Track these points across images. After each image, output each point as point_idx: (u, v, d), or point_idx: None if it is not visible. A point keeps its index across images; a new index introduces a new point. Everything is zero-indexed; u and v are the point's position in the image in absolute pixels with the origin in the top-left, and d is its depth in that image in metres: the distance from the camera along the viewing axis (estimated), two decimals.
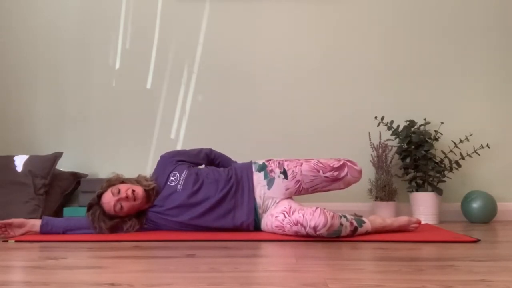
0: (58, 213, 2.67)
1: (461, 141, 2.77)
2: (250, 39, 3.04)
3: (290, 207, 1.94)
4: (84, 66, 3.07)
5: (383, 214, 2.50)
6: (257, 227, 2.10)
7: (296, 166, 2.11)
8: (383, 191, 2.72)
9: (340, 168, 2.07)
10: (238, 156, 2.45)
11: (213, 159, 2.38)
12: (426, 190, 2.71)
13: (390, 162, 2.80)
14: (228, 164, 2.32)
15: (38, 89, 3.07)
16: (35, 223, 2.04)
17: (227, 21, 3.05)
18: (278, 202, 2.08)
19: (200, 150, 2.37)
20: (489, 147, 2.80)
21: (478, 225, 2.55)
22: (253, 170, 2.18)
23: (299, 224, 1.85)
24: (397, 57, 2.99)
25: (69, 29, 3.09)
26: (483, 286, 1.04)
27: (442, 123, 2.85)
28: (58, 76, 3.07)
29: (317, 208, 1.83)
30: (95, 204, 2.09)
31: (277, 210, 2.00)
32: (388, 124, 2.79)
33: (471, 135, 2.82)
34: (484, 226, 2.52)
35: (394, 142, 2.84)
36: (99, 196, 2.08)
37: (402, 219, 2.06)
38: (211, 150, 2.39)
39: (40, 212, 2.55)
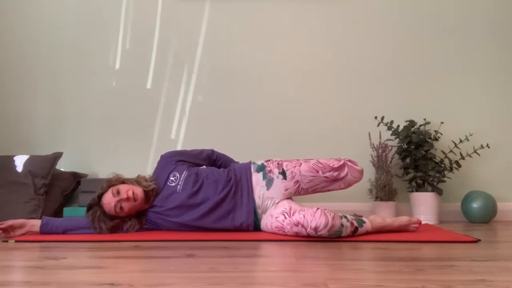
0: (58, 213, 2.67)
1: (461, 141, 2.77)
2: (250, 39, 3.04)
3: (290, 208, 1.94)
4: (84, 66, 3.07)
5: (383, 214, 2.51)
6: (256, 228, 2.10)
7: (295, 166, 2.11)
8: (383, 191, 2.72)
9: (340, 168, 2.07)
10: (238, 156, 2.45)
11: (215, 160, 2.38)
12: (426, 190, 2.71)
13: (390, 162, 2.80)
14: (230, 165, 2.32)
15: (38, 89, 3.07)
16: (35, 223, 2.04)
17: (227, 21, 3.05)
18: (278, 202, 2.08)
19: (202, 151, 2.36)
20: (489, 147, 2.80)
21: (478, 225, 2.55)
22: (252, 170, 2.17)
23: (299, 225, 1.85)
24: (397, 57, 2.99)
25: (69, 29, 3.09)
26: (483, 286, 1.04)
27: (442, 123, 2.85)
28: (58, 76, 3.07)
29: (318, 208, 1.83)
30: (95, 205, 2.08)
31: (277, 211, 2.00)
32: (388, 124, 2.79)
33: (471, 135, 2.82)
34: (484, 226, 2.52)
35: (394, 142, 2.84)
36: (99, 197, 2.08)
37: (402, 219, 2.06)
38: (213, 151, 2.38)
39: (40, 212, 2.55)
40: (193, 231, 2.07)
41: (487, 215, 2.66)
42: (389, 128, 2.79)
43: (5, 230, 1.97)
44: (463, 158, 2.75)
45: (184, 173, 2.16)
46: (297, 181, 2.09)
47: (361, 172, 2.12)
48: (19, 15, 3.11)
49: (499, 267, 1.28)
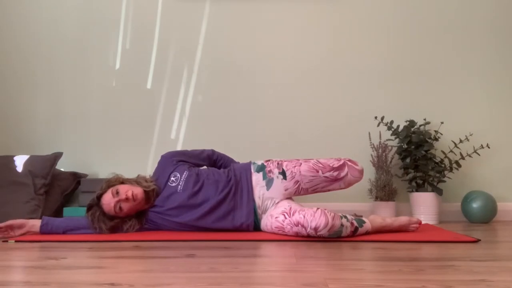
0: (58, 213, 2.67)
1: (461, 141, 2.77)
2: (250, 39, 3.04)
3: (290, 208, 1.94)
4: (84, 66, 3.07)
5: (383, 214, 2.51)
6: (256, 228, 2.10)
7: (295, 166, 2.11)
8: (383, 191, 2.72)
9: (340, 168, 2.07)
10: (238, 156, 2.45)
11: (215, 160, 2.38)
12: (426, 190, 2.71)
13: (390, 162, 2.80)
14: (230, 165, 2.31)
15: (38, 89, 3.07)
16: (35, 223, 2.04)
17: (227, 21, 3.06)
18: (278, 202, 2.08)
19: (202, 151, 2.37)
20: (489, 147, 2.80)
21: (478, 225, 2.55)
22: (252, 170, 2.17)
23: (299, 225, 1.85)
24: (397, 57, 2.99)
25: (69, 29, 3.09)
26: (483, 286, 1.04)
27: (442, 123, 2.85)
28: (58, 76, 3.07)
29: (318, 208, 1.83)
30: (95, 205, 2.09)
31: (277, 211, 2.00)
32: (388, 124, 2.79)
33: (471, 135, 2.82)
34: (484, 226, 2.52)
35: (394, 142, 2.84)
36: (99, 197, 2.08)
37: (402, 219, 2.06)
38: (213, 151, 2.39)
39: (40, 212, 2.55)
40: (193, 231, 2.08)
41: (487, 215, 2.66)
42: (389, 128, 2.79)
43: (4, 230, 1.97)
44: (463, 158, 2.75)
45: (185, 173, 2.16)
46: (297, 181, 2.09)
47: (361, 171, 2.12)
48: (19, 15, 3.11)
49: (499, 267, 1.28)
